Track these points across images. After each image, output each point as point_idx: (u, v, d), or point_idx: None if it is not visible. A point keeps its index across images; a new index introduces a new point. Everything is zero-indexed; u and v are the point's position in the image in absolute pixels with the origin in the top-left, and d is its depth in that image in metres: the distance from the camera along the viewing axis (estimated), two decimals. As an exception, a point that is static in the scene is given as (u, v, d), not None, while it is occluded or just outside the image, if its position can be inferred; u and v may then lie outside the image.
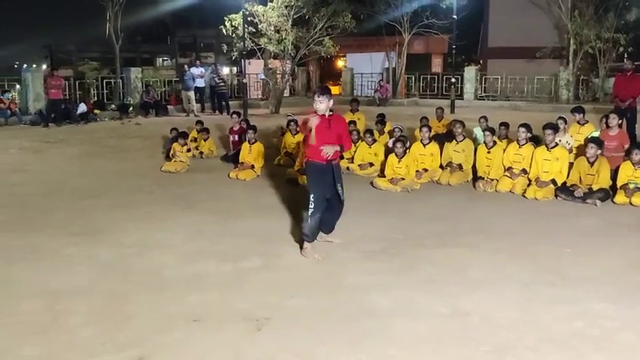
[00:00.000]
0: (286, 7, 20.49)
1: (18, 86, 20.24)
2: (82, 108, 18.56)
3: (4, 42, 43.64)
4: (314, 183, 6.28)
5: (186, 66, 23.17)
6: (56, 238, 6.87)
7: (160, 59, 49.93)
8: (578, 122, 10.91)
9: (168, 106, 21.53)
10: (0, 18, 47.84)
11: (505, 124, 10.98)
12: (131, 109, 20.27)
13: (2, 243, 6.69)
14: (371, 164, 10.93)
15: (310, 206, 6.18)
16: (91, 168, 11.50)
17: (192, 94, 20.85)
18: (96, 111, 19.41)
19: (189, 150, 12.07)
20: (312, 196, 6.20)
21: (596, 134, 10.04)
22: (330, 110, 6.28)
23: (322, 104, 6.10)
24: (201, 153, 12.67)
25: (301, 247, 6.32)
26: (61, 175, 10.86)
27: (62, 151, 13.02)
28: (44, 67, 35.78)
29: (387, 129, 12.66)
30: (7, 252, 6.38)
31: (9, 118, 17.43)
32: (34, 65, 36.38)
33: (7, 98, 17.96)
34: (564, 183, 9.01)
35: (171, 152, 11.56)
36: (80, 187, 9.79)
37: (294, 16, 20.77)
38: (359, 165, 11.04)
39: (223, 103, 21.15)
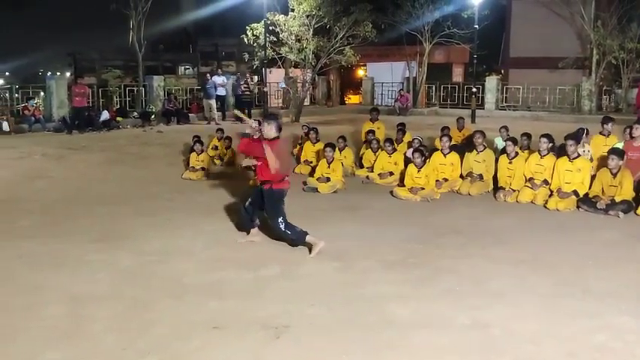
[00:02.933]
0: (307, 16, 20.56)
1: (42, 93, 20.48)
2: (105, 115, 18.72)
3: (28, 49, 44.31)
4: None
5: (208, 74, 23.31)
6: (79, 244, 6.96)
7: (182, 68, 50.31)
8: (601, 133, 10.77)
9: (190, 114, 21.65)
10: (25, 26, 48.62)
11: (527, 135, 10.91)
12: (153, 116, 20.41)
13: (27, 248, 6.79)
14: (391, 173, 10.94)
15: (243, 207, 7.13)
16: (113, 175, 11.62)
17: (213, 102, 20.96)
18: (118, 118, 19.55)
19: (204, 150, 12.14)
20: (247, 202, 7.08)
21: (619, 145, 9.94)
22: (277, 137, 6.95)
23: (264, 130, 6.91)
24: (222, 160, 12.75)
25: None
26: (83, 181, 10.99)
27: (85, 158, 13.16)
28: (68, 74, 36.24)
29: (406, 139, 12.65)
30: (31, 257, 6.47)
31: (33, 124, 17.62)
32: (58, 73, 36.85)
33: (31, 105, 18.17)
34: (586, 194, 8.94)
35: (190, 164, 11.67)
36: (102, 194, 9.91)
37: (315, 26, 20.82)
38: (379, 174, 11.05)
39: (246, 111, 21.27)
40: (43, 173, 11.58)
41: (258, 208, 7.00)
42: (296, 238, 6.70)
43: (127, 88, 22.32)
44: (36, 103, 18.76)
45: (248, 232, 7.20)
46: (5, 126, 17.02)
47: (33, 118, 17.75)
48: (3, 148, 13.89)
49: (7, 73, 50.98)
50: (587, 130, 11.13)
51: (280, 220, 6.68)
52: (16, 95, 19.76)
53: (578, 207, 8.83)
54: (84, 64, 41.85)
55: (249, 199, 7.05)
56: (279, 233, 6.78)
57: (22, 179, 11.01)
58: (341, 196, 9.96)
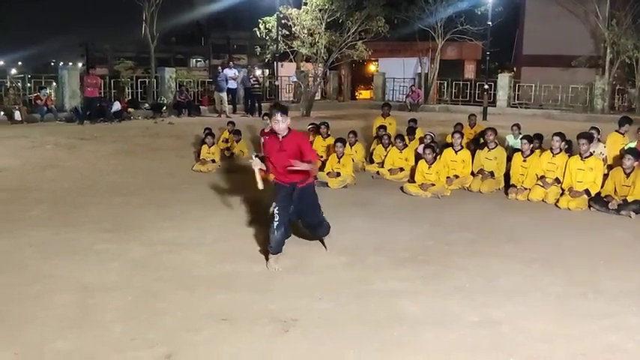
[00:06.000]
0: (320, 10, 20.52)
1: (54, 83, 20.60)
2: (117, 106, 18.81)
3: (42, 40, 44.51)
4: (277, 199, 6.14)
5: (219, 67, 23.33)
6: (90, 234, 6.98)
7: (194, 60, 50.42)
8: (617, 131, 10.66)
9: (201, 107, 21.71)
10: (38, 17, 48.83)
11: (539, 137, 10.72)
12: (164, 108, 20.48)
13: (38, 237, 6.82)
14: (401, 169, 10.90)
15: (275, 220, 5.98)
16: (124, 165, 11.66)
17: (224, 95, 20.99)
18: (130, 110, 19.63)
19: (215, 143, 12.16)
20: (275, 209, 6.04)
21: (631, 145, 9.87)
22: (288, 129, 6.02)
23: (283, 124, 5.89)
24: (232, 153, 12.76)
25: (267, 259, 6.08)
26: (94, 171, 11.03)
27: (96, 148, 13.21)
28: (80, 65, 36.37)
29: (418, 135, 12.59)
30: (42, 246, 6.50)
31: (45, 114, 17.73)
32: (71, 63, 37.00)
33: (44, 95, 18.27)
34: (598, 193, 8.88)
35: (201, 157, 11.69)
36: (113, 184, 9.94)
37: (328, 20, 20.79)
38: (389, 170, 11.01)
39: (256, 104, 21.28)
40: (54, 163, 11.63)
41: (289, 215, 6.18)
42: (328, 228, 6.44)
43: (139, 80, 22.41)
44: (48, 93, 18.85)
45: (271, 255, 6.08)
46: (18, 115, 17.13)
47: (45, 108, 17.86)
48: (15, 137, 13.98)
49: (19, 63, 51.32)
50: (599, 130, 11.03)
51: (321, 211, 6.33)
52: (29, 85, 19.88)
53: (589, 206, 8.76)
54: (96, 55, 42.00)
55: (283, 211, 6.00)
56: (320, 227, 6.39)
57: (33, 168, 11.07)
58: (351, 191, 9.94)
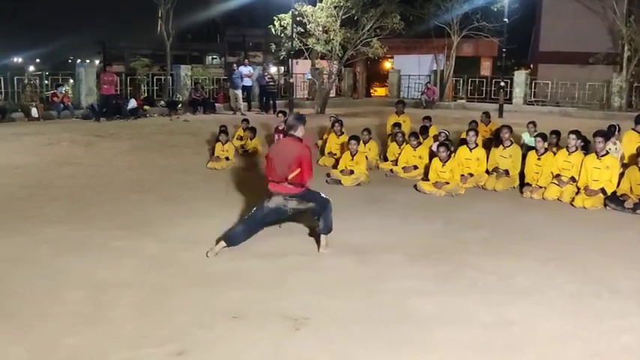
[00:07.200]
0: (335, 7, 20.47)
1: (71, 80, 20.74)
2: (133, 104, 18.90)
3: (59, 37, 44.82)
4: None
5: (234, 65, 23.36)
6: (104, 230, 7.02)
7: (210, 57, 50.50)
8: (634, 129, 10.53)
9: (216, 104, 21.74)
10: (55, 14, 49.21)
11: (556, 133, 10.67)
12: (180, 105, 20.54)
13: (53, 234, 6.87)
14: (415, 167, 10.85)
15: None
16: (139, 162, 11.71)
17: (239, 92, 21.03)
18: (146, 107, 19.71)
19: (229, 140, 12.18)
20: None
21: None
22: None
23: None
24: (247, 151, 12.78)
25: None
26: (110, 168, 11.09)
27: (112, 145, 13.28)
28: (97, 62, 36.59)
29: (432, 132, 12.52)
30: (57, 243, 6.54)
31: (62, 111, 17.85)
32: (87, 60, 37.24)
33: (60, 92, 18.39)
34: (614, 192, 8.79)
35: (216, 154, 11.73)
36: (129, 181, 9.99)
37: (343, 17, 20.73)
38: (403, 167, 10.97)
39: (271, 102, 21.30)
40: (70, 160, 11.70)
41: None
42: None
43: (155, 77, 22.50)
44: (65, 90, 18.98)
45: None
46: (34, 112, 17.26)
47: (62, 105, 17.98)
48: (32, 134, 14.08)
49: (37, 60, 51.75)
50: (619, 127, 10.91)
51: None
52: (46, 82, 20.02)
53: (605, 205, 8.68)
54: (113, 53, 42.13)
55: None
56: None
57: (49, 165, 11.15)
58: (364, 188, 9.92)
